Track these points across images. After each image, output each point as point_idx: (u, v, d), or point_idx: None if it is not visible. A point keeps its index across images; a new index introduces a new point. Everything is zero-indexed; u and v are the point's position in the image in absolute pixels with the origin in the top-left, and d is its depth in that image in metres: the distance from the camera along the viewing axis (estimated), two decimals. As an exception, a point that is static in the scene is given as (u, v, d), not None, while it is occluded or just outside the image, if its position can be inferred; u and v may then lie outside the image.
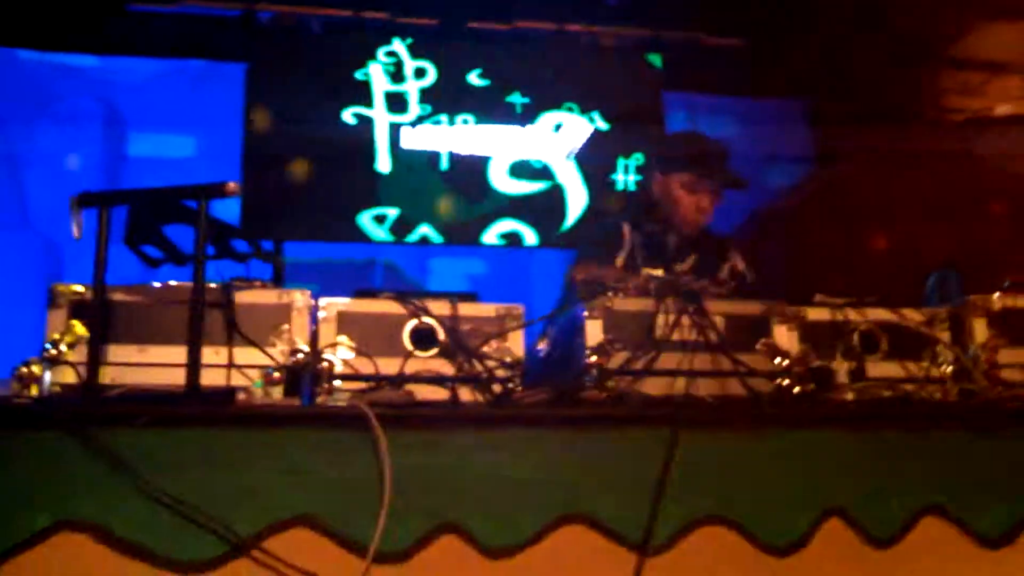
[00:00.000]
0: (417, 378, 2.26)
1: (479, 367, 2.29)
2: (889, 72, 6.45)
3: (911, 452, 2.16)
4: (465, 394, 2.27)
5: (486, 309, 2.40)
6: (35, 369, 2.12)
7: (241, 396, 2.01)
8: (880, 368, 2.48)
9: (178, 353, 2.17)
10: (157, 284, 2.28)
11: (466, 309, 2.38)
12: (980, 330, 2.54)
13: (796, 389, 2.34)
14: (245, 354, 2.23)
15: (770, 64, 6.15)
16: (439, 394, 2.26)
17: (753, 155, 6.69)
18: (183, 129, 6.19)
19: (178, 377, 2.15)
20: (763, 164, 6.88)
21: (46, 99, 5.86)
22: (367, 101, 5.75)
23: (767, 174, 6.92)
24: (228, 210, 4.89)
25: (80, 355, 2.14)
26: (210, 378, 2.14)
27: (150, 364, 2.18)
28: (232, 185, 2.05)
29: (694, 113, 6.72)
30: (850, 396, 2.36)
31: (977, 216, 5.55)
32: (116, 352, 2.17)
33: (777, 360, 2.39)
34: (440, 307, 2.37)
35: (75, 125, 5.86)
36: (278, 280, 2.55)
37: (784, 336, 2.45)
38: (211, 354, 2.17)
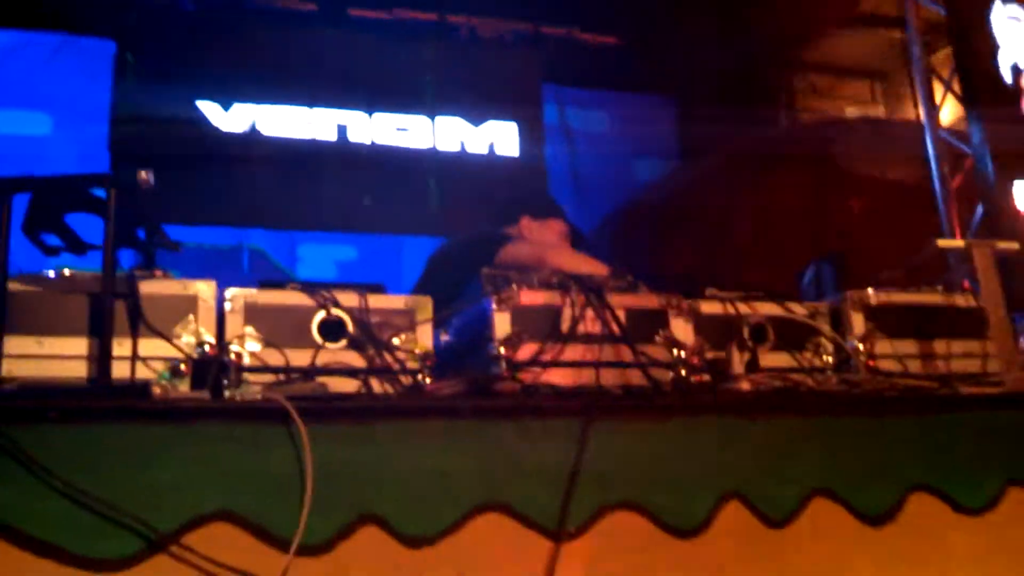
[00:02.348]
0: (328, 370, 2.25)
1: (390, 359, 2.30)
2: (747, 72, 6.73)
3: (802, 438, 2.29)
4: (375, 386, 2.28)
5: (395, 301, 2.42)
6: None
7: (156, 390, 1.96)
8: (770, 359, 2.63)
9: (78, 345, 2.11)
10: (52, 273, 2.20)
11: (375, 300, 2.39)
12: (858, 323, 2.71)
13: (694, 379, 2.45)
14: (149, 346, 2.18)
15: (642, 62, 6.32)
16: (350, 386, 2.26)
17: (622, 149, 6.88)
18: (38, 105, 5.91)
19: (78, 370, 2.09)
20: (632, 158, 7.08)
21: None
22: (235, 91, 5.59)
23: (635, 168, 7.12)
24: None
25: (-27, 346, 2.04)
26: (114, 370, 2.07)
27: (50, 356, 2.10)
28: (144, 174, 1.99)
29: (564, 106, 6.84)
30: (745, 386, 2.48)
31: (837, 212, 5.86)
32: (13, 344, 2.07)
33: (675, 351, 2.49)
34: (348, 298, 2.36)
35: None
36: (149, 267, 2.48)
37: (681, 328, 2.56)
38: (114, 346, 2.10)
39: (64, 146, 5.94)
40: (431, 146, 5.93)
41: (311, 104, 5.73)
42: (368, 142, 5.84)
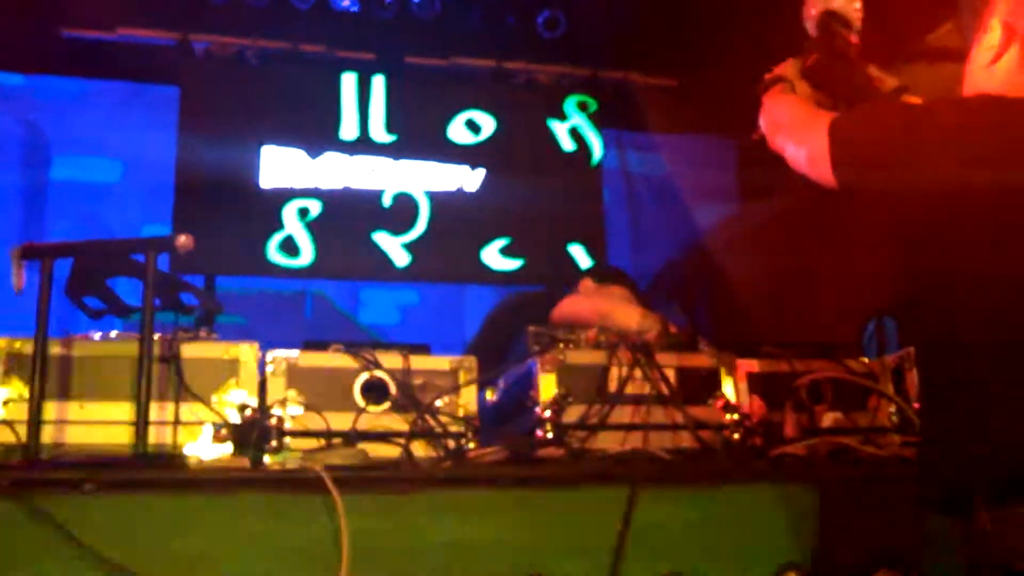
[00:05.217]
0: (370, 435, 2.21)
1: (432, 422, 2.26)
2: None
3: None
4: (418, 449, 2.23)
5: (439, 362, 2.38)
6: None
7: (192, 459, 1.94)
8: (827, 419, 2.52)
9: (120, 409, 2.11)
10: (97, 335, 2.21)
11: (418, 362, 2.35)
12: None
13: (747, 442, 2.36)
14: (191, 409, 2.16)
15: (700, 103, 6.24)
16: (392, 450, 2.22)
17: (682, 193, 6.78)
18: (109, 152, 6.02)
19: (121, 434, 2.08)
20: (692, 203, 6.97)
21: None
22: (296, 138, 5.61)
23: (696, 213, 7.00)
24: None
25: (16, 411, 2.05)
26: (155, 435, 2.06)
27: (92, 421, 2.10)
28: (183, 239, 1.99)
29: (623, 150, 6.77)
30: (800, 449, 2.38)
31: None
32: (55, 409, 2.08)
33: (728, 413, 2.40)
34: (392, 360, 2.33)
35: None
36: (209, 322, 2.48)
37: (734, 388, 2.47)
38: (156, 410, 2.09)
39: (132, 192, 6.04)
40: (489, 192, 5.89)
41: (370, 152, 5.74)
42: (427, 190, 5.81)
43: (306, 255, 5.53)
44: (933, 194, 1.71)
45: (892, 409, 2.58)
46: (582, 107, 6.03)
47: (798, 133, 1.96)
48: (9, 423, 2.02)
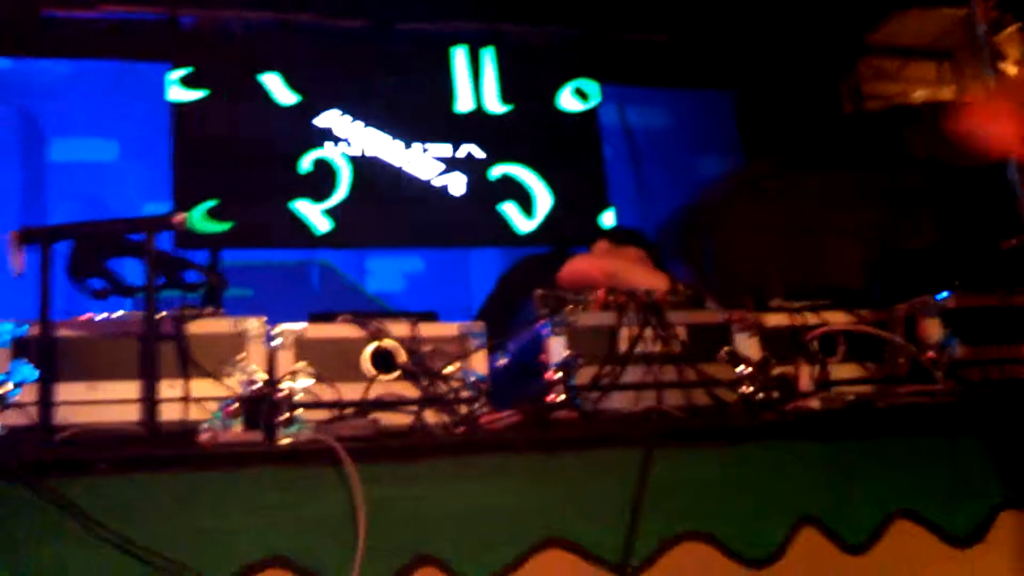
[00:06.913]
0: (381, 404, 2.20)
1: (443, 389, 2.24)
2: (809, 61, 6.53)
3: (878, 457, 2.17)
4: (431, 416, 2.22)
5: (447, 328, 2.36)
6: (-23, 412, 2.01)
7: (203, 435, 1.92)
8: (840, 371, 2.50)
9: (130, 388, 2.10)
10: (101, 316, 2.19)
11: (427, 329, 2.33)
12: (934, 329, 2.56)
13: (760, 397, 2.34)
14: (200, 386, 2.15)
15: (696, 58, 6.19)
16: (403, 418, 2.21)
17: (684, 147, 6.75)
18: (105, 132, 5.98)
19: (131, 413, 2.07)
20: (694, 156, 6.94)
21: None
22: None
23: (699, 166, 6.97)
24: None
25: (26, 395, 2.03)
26: (165, 412, 2.05)
27: (101, 402, 2.08)
28: (179, 216, 1.96)
29: (624, 105, 6.73)
30: (815, 403, 2.36)
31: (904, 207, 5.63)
32: (65, 390, 2.06)
33: (740, 368, 2.38)
34: (400, 328, 2.31)
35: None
36: (215, 299, 2.46)
37: (745, 343, 2.45)
38: (165, 388, 2.09)
39: (131, 171, 6.01)
40: (483, 156, 5.85)
41: (365, 122, 5.70)
42: (423, 152, 5.77)
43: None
44: None
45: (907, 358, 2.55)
46: None
47: None
48: (20, 406, 2.01)
